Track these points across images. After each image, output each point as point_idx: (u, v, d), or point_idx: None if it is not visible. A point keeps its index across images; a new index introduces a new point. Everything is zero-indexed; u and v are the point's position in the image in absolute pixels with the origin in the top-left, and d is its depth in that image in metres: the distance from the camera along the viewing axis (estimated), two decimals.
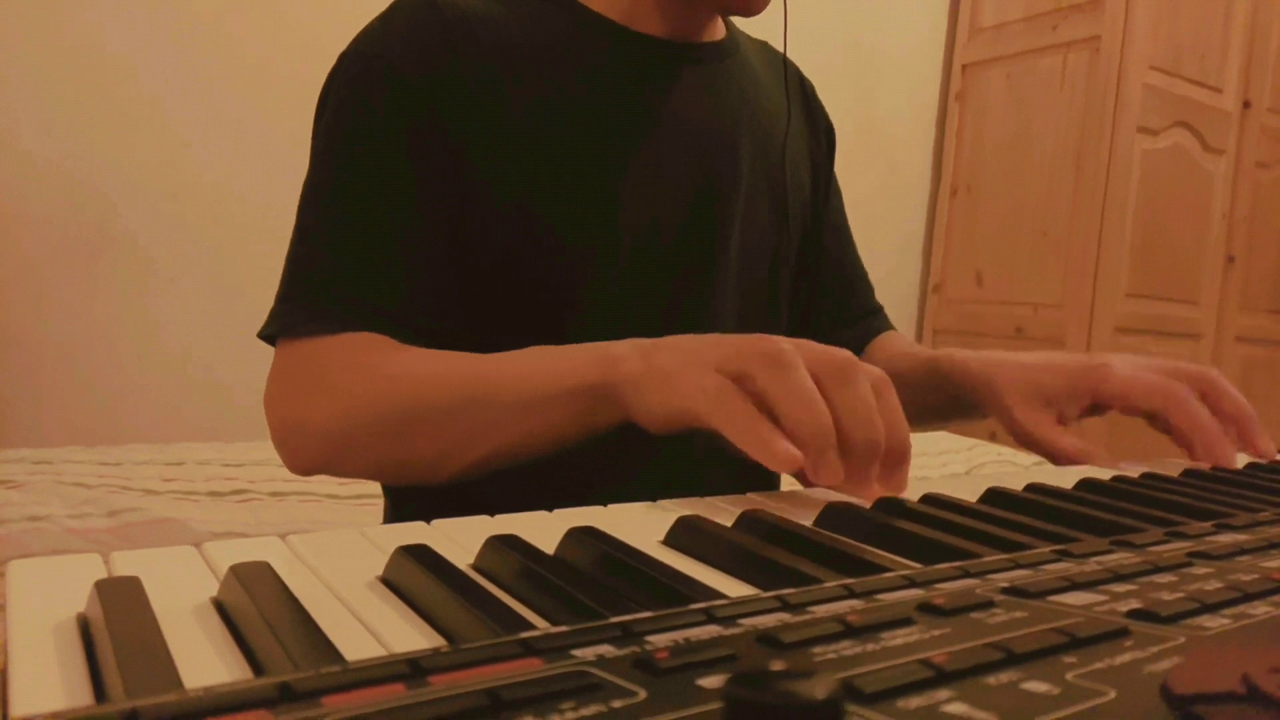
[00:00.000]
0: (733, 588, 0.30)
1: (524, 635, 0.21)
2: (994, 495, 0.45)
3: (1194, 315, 2.46)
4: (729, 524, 0.37)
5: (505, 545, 0.31)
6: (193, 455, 1.35)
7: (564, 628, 0.22)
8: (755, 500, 0.44)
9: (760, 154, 0.75)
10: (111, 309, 1.64)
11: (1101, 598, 0.25)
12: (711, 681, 0.18)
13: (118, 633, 0.22)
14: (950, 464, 1.61)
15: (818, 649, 0.21)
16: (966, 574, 0.28)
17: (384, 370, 0.57)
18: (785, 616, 0.23)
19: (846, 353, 0.44)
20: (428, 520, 0.37)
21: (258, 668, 0.23)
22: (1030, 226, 2.39)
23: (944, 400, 0.75)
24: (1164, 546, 0.33)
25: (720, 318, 0.72)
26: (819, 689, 0.15)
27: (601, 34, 0.69)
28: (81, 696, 0.21)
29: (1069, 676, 0.19)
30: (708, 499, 0.43)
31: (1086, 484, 0.49)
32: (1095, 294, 2.24)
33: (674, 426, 0.47)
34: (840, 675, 0.19)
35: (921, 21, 2.61)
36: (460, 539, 0.34)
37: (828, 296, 0.86)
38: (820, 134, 0.86)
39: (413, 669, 0.19)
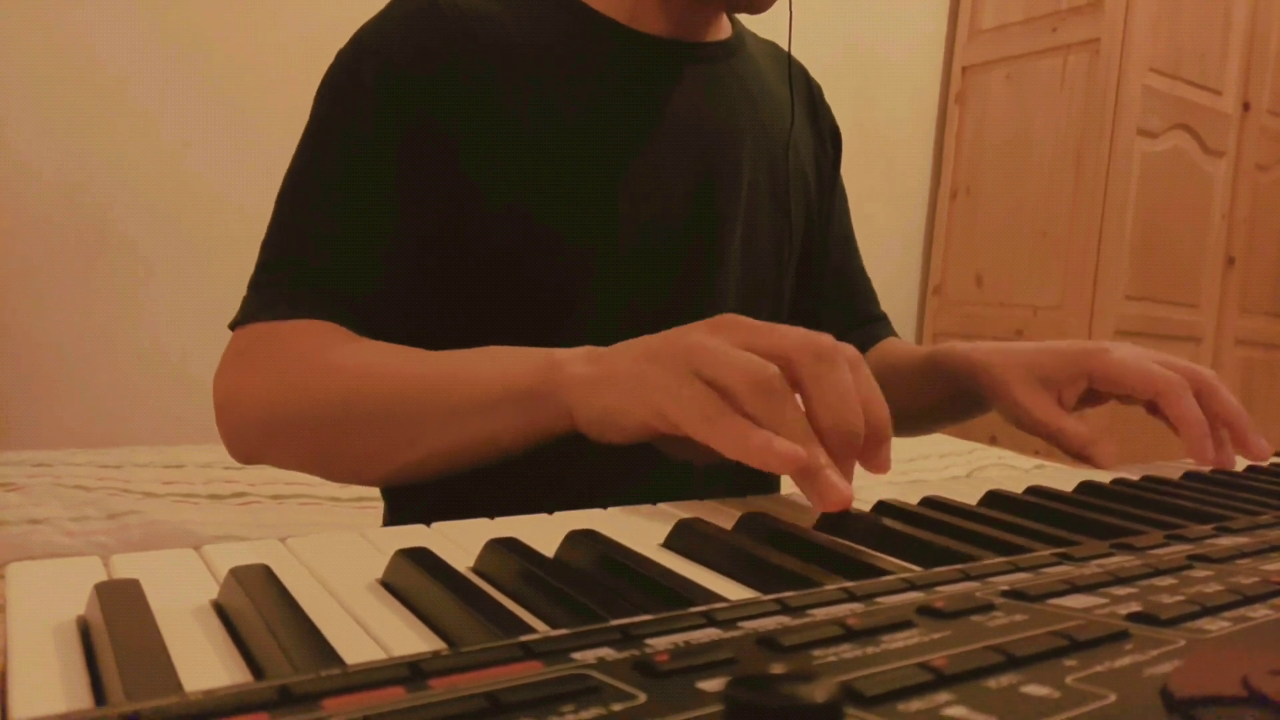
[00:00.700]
0: (733, 591, 0.30)
1: (524, 638, 0.21)
2: (994, 498, 0.45)
3: (1194, 318, 2.46)
4: (729, 527, 0.37)
5: (505, 548, 0.31)
6: (193, 458, 1.35)
7: (564, 631, 0.22)
8: (755, 503, 0.44)
9: (763, 154, 0.75)
10: (111, 311, 1.64)
11: (1101, 601, 0.25)
12: (711, 684, 0.18)
13: (117, 635, 0.22)
14: (951, 467, 1.61)
15: (818, 652, 0.21)
16: (966, 577, 0.28)
17: (326, 359, 0.56)
18: (785, 619, 0.23)
19: (823, 337, 0.42)
20: (427, 523, 0.37)
21: (257, 670, 0.23)
22: (1030, 228, 2.39)
23: (945, 395, 0.74)
24: (1164, 549, 0.33)
25: None
26: (819, 692, 0.15)
27: (604, 33, 0.69)
28: (81, 699, 0.21)
29: (1069, 680, 0.19)
30: (707, 502, 0.43)
31: (1086, 487, 0.49)
32: (1095, 296, 2.24)
33: (637, 432, 0.44)
34: (840, 678, 0.19)
35: (921, 23, 2.62)
36: (460, 541, 0.34)
37: (831, 303, 0.86)
38: (826, 137, 0.86)
39: (412, 672, 0.19)
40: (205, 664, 0.23)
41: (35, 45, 1.54)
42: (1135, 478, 0.53)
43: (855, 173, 0.92)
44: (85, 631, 0.25)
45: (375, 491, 1.20)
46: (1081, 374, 0.65)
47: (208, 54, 1.69)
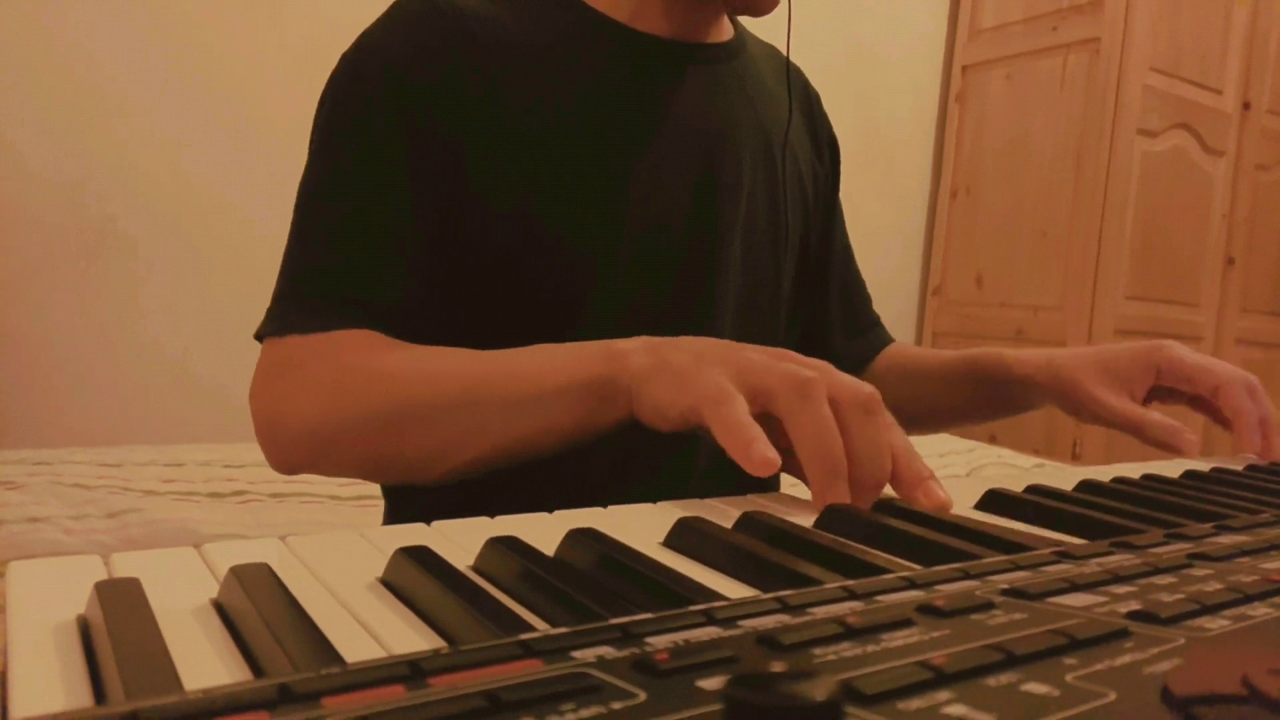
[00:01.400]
0: (733, 589, 0.30)
1: (524, 637, 0.21)
2: (994, 497, 0.45)
3: (1194, 317, 2.46)
4: (729, 525, 0.37)
5: (505, 547, 0.31)
6: (193, 456, 1.35)
7: (564, 629, 0.22)
8: (755, 502, 0.44)
9: (762, 155, 0.75)
10: (110, 310, 1.64)
11: (1101, 599, 0.25)
12: (711, 683, 0.18)
13: (117, 634, 0.22)
14: (951, 465, 1.61)
15: (818, 650, 0.21)
16: (966, 575, 0.28)
17: (376, 366, 0.56)
18: (785, 618, 0.23)
19: (870, 387, 0.44)
20: (428, 522, 0.37)
21: (257, 669, 0.23)
22: (1030, 228, 2.39)
23: (983, 398, 0.78)
24: (1164, 548, 0.33)
25: (721, 318, 0.72)
26: (819, 690, 0.15)
27: (605, 34, 0.69)
28: (81, 698, 0.21)
29: (1069, 678, 0.19)
30: (707, 500, 0.43)
31: (1086, 485, 0.49)
32: (1095, 296, 2.24)
33: (679, 425, 0.46)
34: (840, 677, 0.19)
35: (921, 22, 2.62)
36: (460, 540, 0.34)
37: (835, 312, 0.88)
38: (823, 146, 0.86)
39: (412, 670, 0.19)
40: (205, 663, 0.23)
41: (34, 45, 1.54)
42: (1135, 476, 0.53)
43: (855, 172, 0.92)
44: (85, 630, 0.25)
45: (376, 490, 1.20)
46: (1150, 369, 0.69)
47: (207, 54, 1.69)
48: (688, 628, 0.22)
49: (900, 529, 0.36)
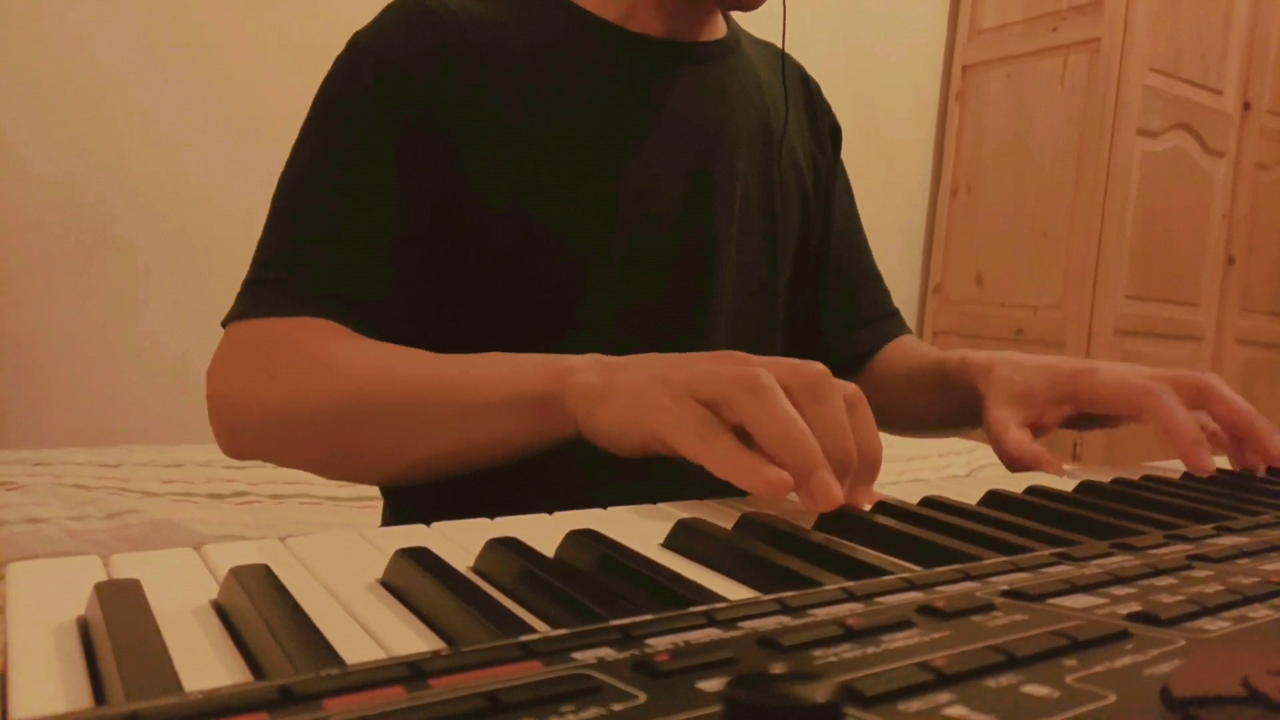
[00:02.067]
0: (733, 590, 0.30)
1: (524, 638, 0.21)
2: (994, 498, 0.45)
3: (1194, 317, 2.46)
4: (729, 527, 0.37)
5: (505, 547, 0.31)
6: (192, 457, 1.35)
7: (564, 630, 0.22)
8: (755, 503, 0.44)
9: (758, 154, 0.75)
10: (110, 311, 1.64)
11: (1102, 600, 0.25)
12: (711, 684, 0.18)
13: (117, 635, 0.22)
14: (951, 466, 1.61)
15: (818, 652, 0.21)
16: (967, 577, 0.28)
17: (328, 359, 0.55)
18: (785, 619, 0.23)
19: (818, 366, 0.42)
20: (427, 522, 0.37)
21: (257, 670, 0.23)
22: (1030, 228, 2.39)
23: (955, 405, 0.74)
24: (1164, 549, 0.33)
25: (718, 318, 0.72)
26: (819, 692, 0.15)
27: (598, 34, 0.69)
28: (81, 699, 0.21)
29: (1069, 680, 0.19)
30: (707, 501, 0.43)
31: (1087, 487, 0.49)
32: (1095, 296, 2.24)
33: (636, 450, 0.45)
34: (840, 678, 0.19)
35: (922, 22, 2.61)
36: (460, 541, 0.34)
37: (831, 301, 0.85)
38: (824, 133, 0.85)
39: (412, 672, 0.19)
40: (205, 664, 0.23)
41: (34, 45, 1.54)
42: (1135, 478, 0.53)
43: (856, 172, 0.92)
44: (85, 631, 0.25)
45: (375, 491, 1.20)
46: (1066, 396, 0.63)
47: (207, 54, 1.69)
48: (688, 629, 0.22)
49: (900, 530, 0.36)
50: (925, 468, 1.58)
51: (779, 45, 0.82)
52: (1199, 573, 0.29)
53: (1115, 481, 0.51)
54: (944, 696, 0.18)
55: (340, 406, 0.54)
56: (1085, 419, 0.66)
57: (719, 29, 0.77)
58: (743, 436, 0.41)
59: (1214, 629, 0.23)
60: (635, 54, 0.69)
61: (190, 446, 1.43)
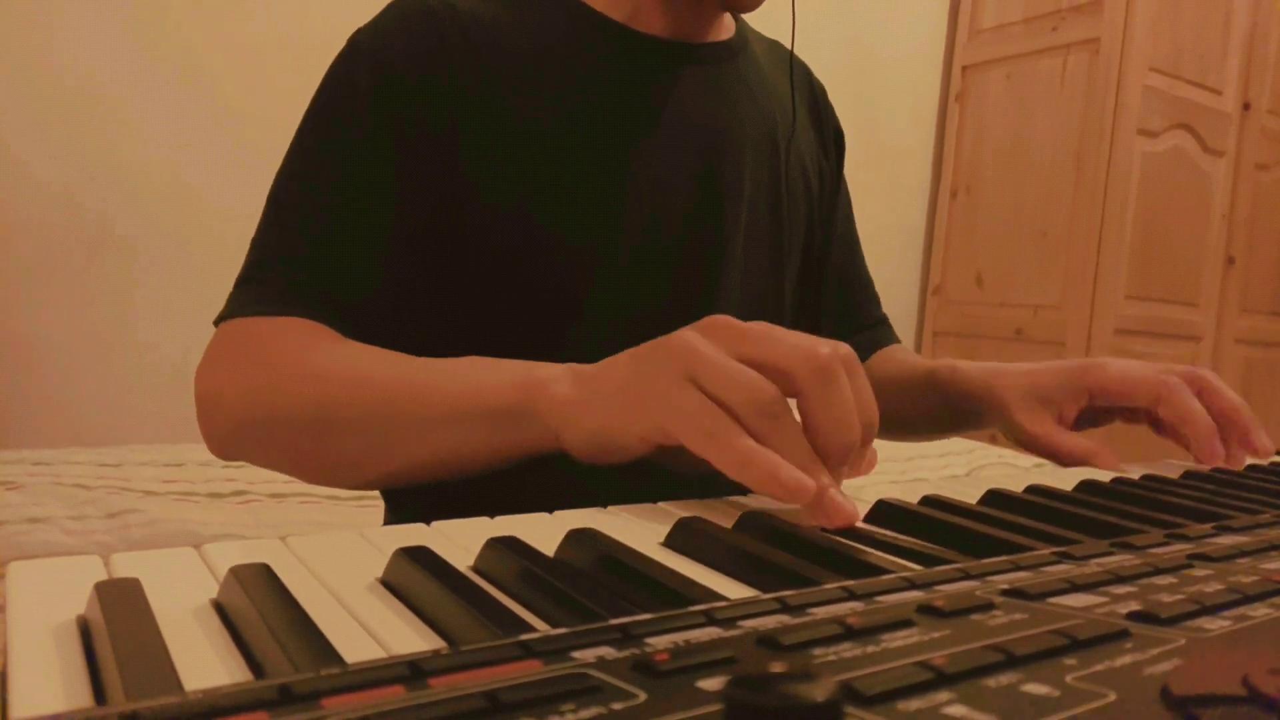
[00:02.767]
0: (732, 590, 0.30)
1: (524, 637, 0.21)
2: (994, 497, 0.45)
3: (1194, 317, 2.46)
4: (729, 526, 0.37)
5: (505, 547, 0.31)
6: (192, 456, 1.35)
7: (564, 630, 0.22)
8: (755, 502, 0.44)
9: (765, 155, 0.75)
10: (109, 311, 1.64)
11: (1101, 600, 0.25)
12: (711, 683, 0.18)
13: (117, 635, 0.22)
14: (951, 466, 1.61)
15: (818, 651, 0.21)
16: (966, 576, 0.28)
17: (306, 361, 0.55)
18: (785, 618, 0.23)
19: (822, 346, 0.41)
20: (428, 522, 0.37)
21: (257, 670, 0.23)
22: (1030, 228, 2.39)
23: (944, 412, 0.75)
24: (1164, 548, 0.33)
25: None
26: (819, 691, 0.15)
27: (603, 34, 0.69)
28: (81, 698, 0.21)
29: (1069, 679, 0.19)
30: (707, 500, 0.43)
31: (1087, 486, 0.49)
32: (1095, 296, 2.24)
33: (634, 450, 0.43)
34: (840, 677, 0.19)
35: (921, 22, 2.62)
36: (460, 540, 0.34)
37: (831, 306, 0.86)
38: (829, 139, 0.85)
39: (412, 671, 0.19)
40: (205, 663, 0.23)
41: (31, 49, 1.54)
42: (1135, 477, 0.53)
43: (855, 172, 0.92)
44: (85, 631, 0.25)
45: (375, 490, 1.20)
46: (1080, 390, 0.65)
47: (204, 57, 1.69)
48: (688, 628, 0.22)
49: (902, 527, 0.36)
50: (925, 468, 1.58)
51: (785, 44, 0.82)
52: (1199, 572, 0.29)
53: (1115, 480, 0.51)
54: (944, 695, 0.18)
55: (310, 411, 0.53)
56: (1091, 416, 0.68)
57: (726, 29, 0.76)
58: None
59: (1214, 628, 0.23)
60: (640, 54, 0.69)
61: (190, 446, 1.43)
